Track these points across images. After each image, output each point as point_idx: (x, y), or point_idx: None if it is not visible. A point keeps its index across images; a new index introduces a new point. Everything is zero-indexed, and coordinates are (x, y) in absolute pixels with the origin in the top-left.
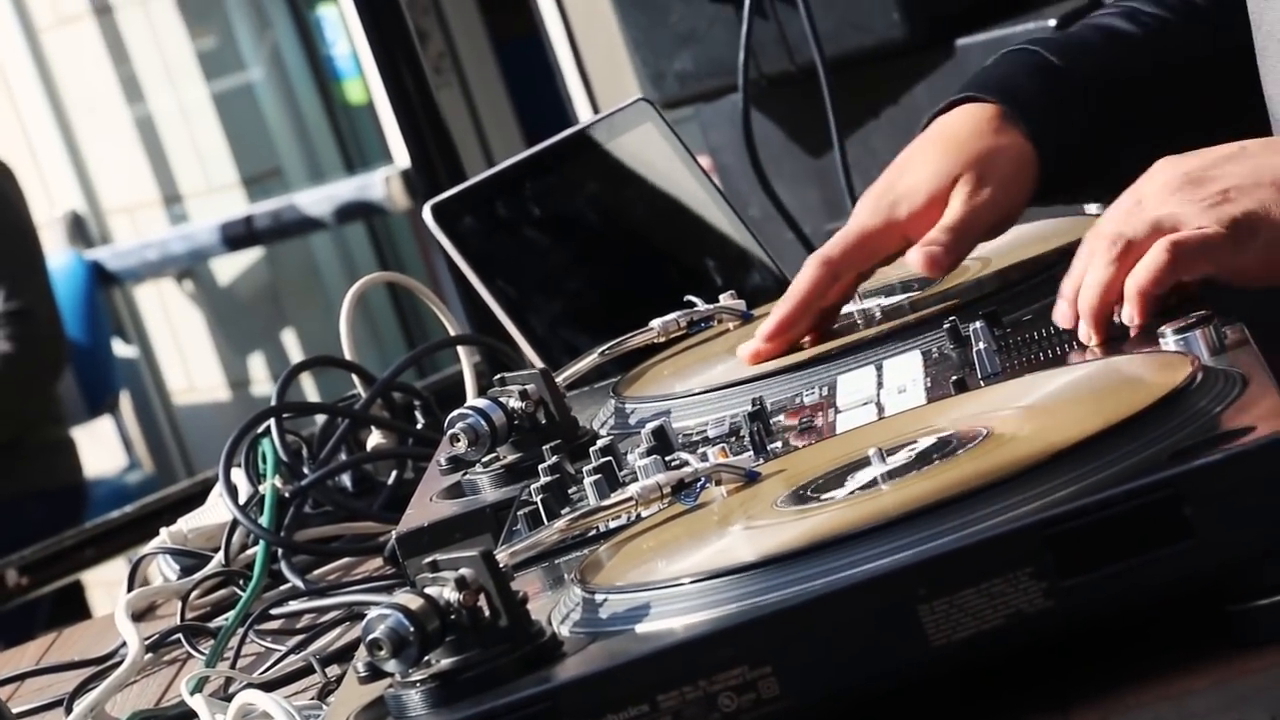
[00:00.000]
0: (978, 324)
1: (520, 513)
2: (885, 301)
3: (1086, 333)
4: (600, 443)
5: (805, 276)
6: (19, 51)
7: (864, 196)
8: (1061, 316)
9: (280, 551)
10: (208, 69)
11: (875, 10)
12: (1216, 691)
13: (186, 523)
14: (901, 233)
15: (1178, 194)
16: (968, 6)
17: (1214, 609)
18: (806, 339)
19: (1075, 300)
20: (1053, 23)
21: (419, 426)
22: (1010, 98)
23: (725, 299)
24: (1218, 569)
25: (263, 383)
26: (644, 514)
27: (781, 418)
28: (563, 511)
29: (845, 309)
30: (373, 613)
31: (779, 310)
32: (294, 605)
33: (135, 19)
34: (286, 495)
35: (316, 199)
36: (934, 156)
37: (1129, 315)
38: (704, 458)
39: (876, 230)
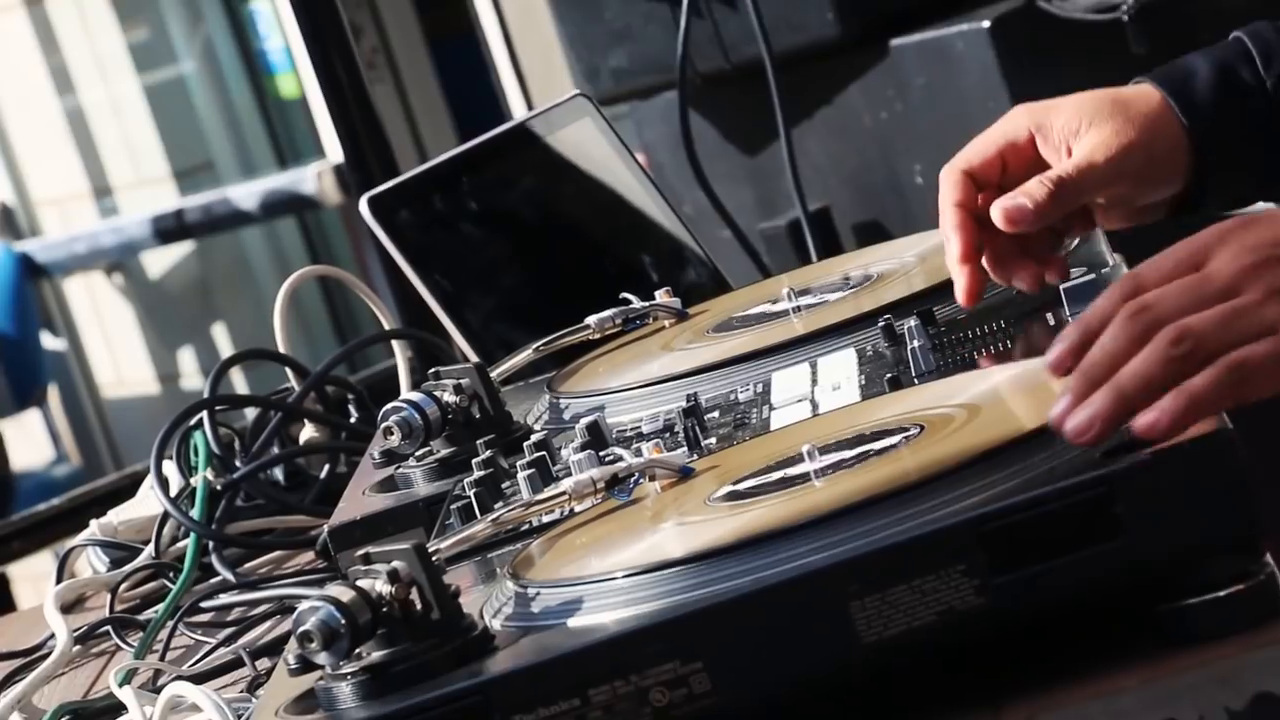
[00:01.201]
0: (912, 322)
1: (453, 507)
2: (821, 299)
3: (1089, 419)
4: (534, 438)
5: (946, 190)
6: None
7: (1015, 109)
8: (1060, 368)
9: (211, 544)
10: (139, 61)
11: (810, 9)
12: (1146, 690)
13: (117, 515)
14: (1032, 154)
15: (1251, 278)
16: (902, 7)
17: (1145, 607)
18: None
19: (1093, 371)
20: (986, 24)
21: (352, 420)
22: (1184, 87)
23: (660, 296)
24: (1148, 567)
25: (193, 376)
26: (577, 509)
27: (716, 414)
28: (496, 506)
29: (780, 305)
30: (304, 605)
31: (948, 232)
32: (224, 598)
33: (66, 10)
34: (218, 488)
35: (248, 193)
36: (1097, 97)
37: (1151, 422)
38: (638, 453)
39: (1013, 143)
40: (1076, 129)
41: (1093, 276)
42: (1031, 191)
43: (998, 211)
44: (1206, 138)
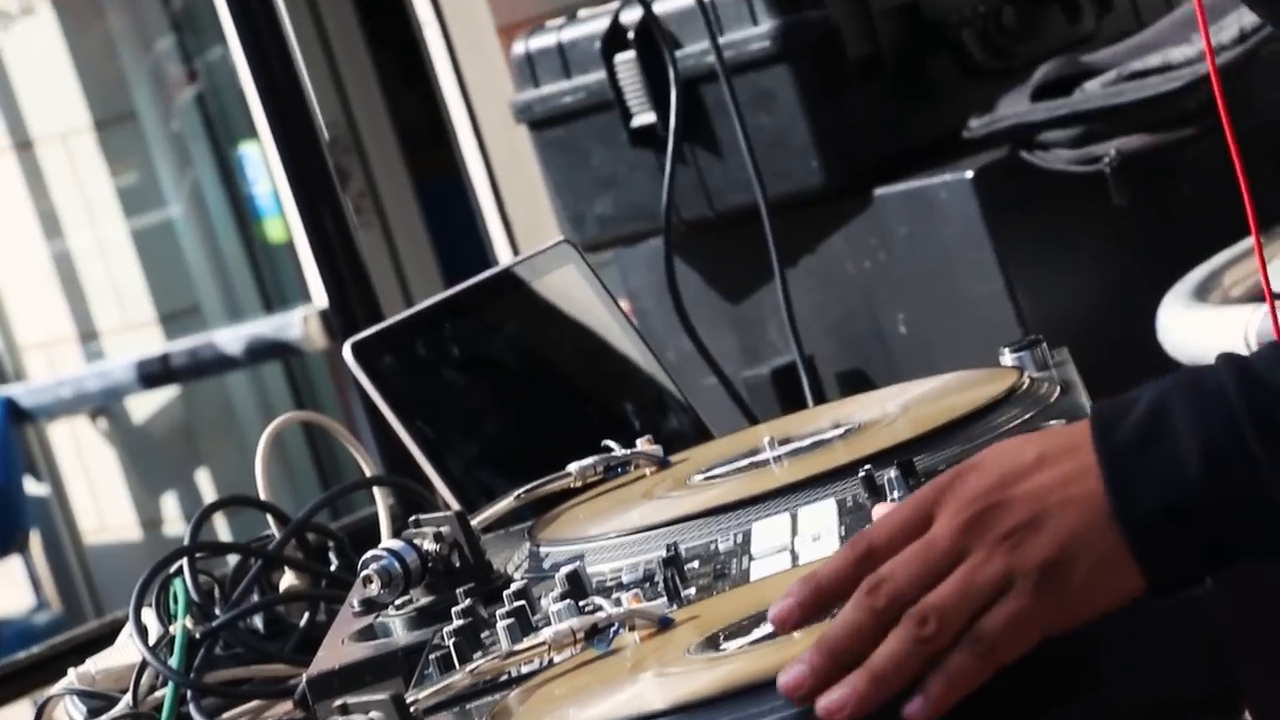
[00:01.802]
0: (892, 473)
1: (432, 656)
2: (803, 449)
3: (843, 700)
4: (514, 586)
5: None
6: None
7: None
8: (785, 624)
9: (189, 694)
10: (128, 205)
11: (795, 158)
12: None
13: (95, 664)
14: None
15: (973, 535)
16: (886, 157)
17: None
18: None
19: (837, 647)
20: (969, 174)
21: (333, 568)
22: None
23: (642, 444)
24: None
25: (175, 522)
26: (556, 659)
27: (696, 564)
28: (475, 656)
29: (761, 455)
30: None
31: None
32: None
33: (56, 154)
34: (197, 636)
35: (234, 337)
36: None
37: (918, 708)
38: (617, 603)
39: None
40: None
41: None
42: None
43: None
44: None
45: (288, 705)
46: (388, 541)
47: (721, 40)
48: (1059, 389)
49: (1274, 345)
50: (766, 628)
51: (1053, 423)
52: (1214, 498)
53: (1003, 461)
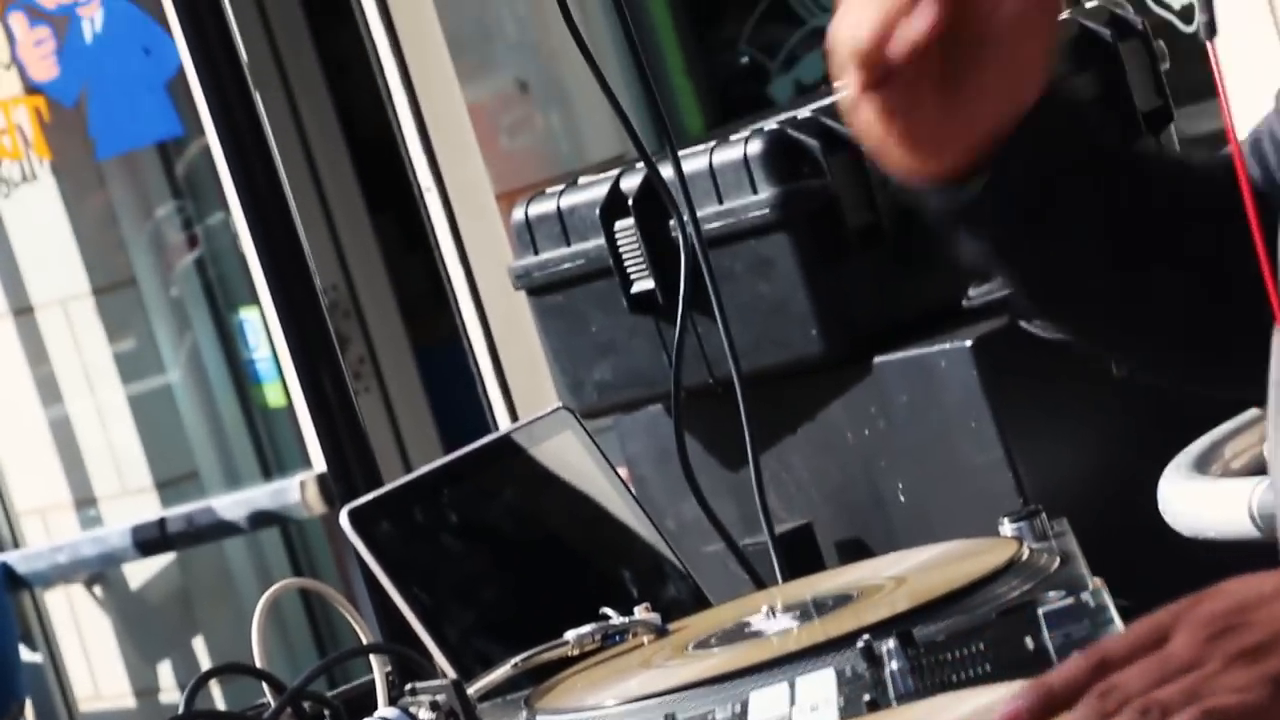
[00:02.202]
0: (891, 643)
1: None
2: (802, 618)
3: None
4: None
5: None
6: None
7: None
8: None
9: None
10: (126, 371)
11: (794, 327)
12: None
13: None
14: None
15: (1210, 644)
16: (886, 325)
17: None
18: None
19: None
20: (969, 343)
21: None
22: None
23: (640, 612)
24: None
25: (171, 690)
26: None
27: None
28: None
29: (760, 624)
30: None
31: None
32: None
33: (55, 320)
34: None
35: (232, 503)
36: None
37: None
38: None
39: None
40: None
41: (1071, 601)
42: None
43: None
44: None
45: None
46: (384, 710)
47: (721, 208)
48: (1058, 560)
49: None
50: None
51: (1054, 595)
52: None
53: (1242, 590)
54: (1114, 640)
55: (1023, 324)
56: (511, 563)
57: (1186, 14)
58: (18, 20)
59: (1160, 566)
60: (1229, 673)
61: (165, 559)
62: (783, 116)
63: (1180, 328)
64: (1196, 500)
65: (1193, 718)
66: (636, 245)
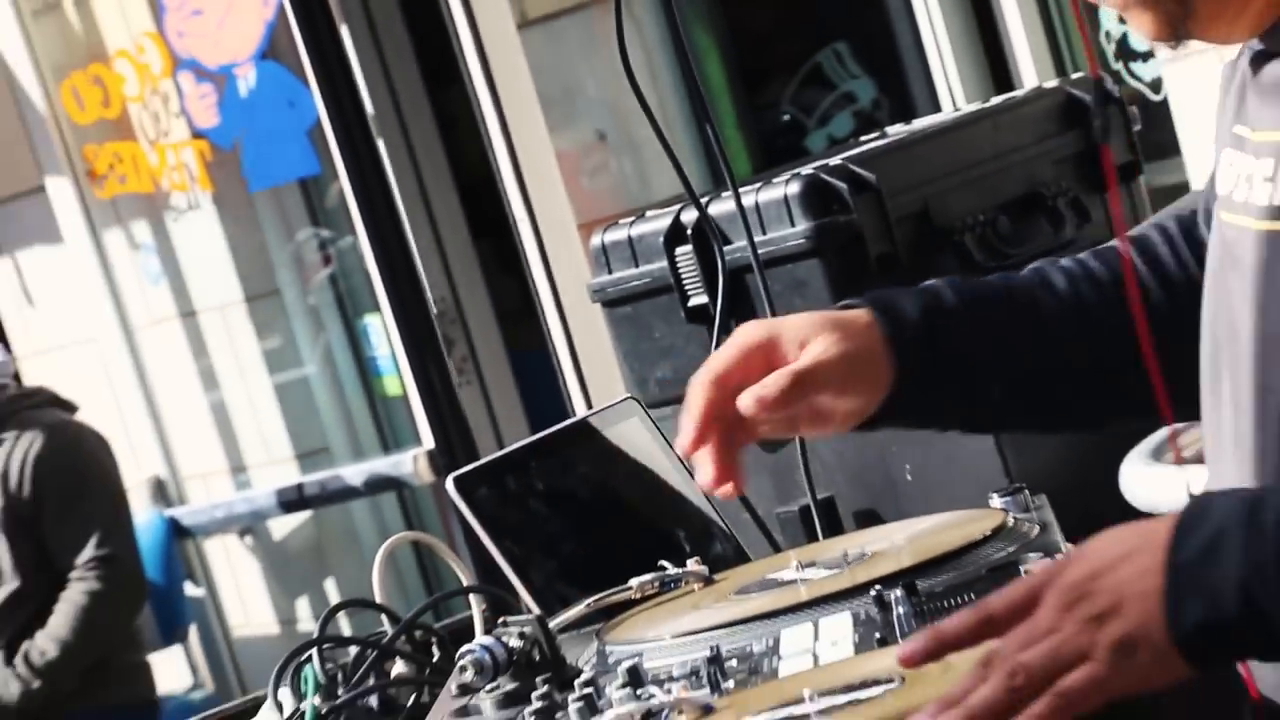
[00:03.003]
0: (898, 592)
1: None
2: (825, 571)
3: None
4: (583, 677)
5: (695, 393)
6: (118, 345)
7: (749, 323)
8: (908, 662)
9: None
10: (271, 365)
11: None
12: None
13: None
14: (767, 359)
15: (1065, 611)
16: None
17: None
18: (729, 488)
19: (949, 698)
20: None
21: (435, 659)
22: (891, 314)
23: (691, 564)
24: None
25: (307, 621)
26: None
27: (734, 662)
28: None
29: (789, 575)
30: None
31: (686, 426)
32: None
33: (214, 322)
34: (323, 713)
35: (356, 472)
36: (817, 316)
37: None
38: (668, 692)
39: (751, 349)
40: (805, 337)
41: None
42: (774, 381)
43: (747, 399)
44: (905, 350)
45: None
46: (481, 638)
47: (764, 237)
48: (1037, 528)
49: None
50: (791, 712)
51: (1033, 555)
52: (1245, 624)
53: (1094, 557)
54: (996, 599)
55: None
56: (586, 522)
57: (1155, 85)
58: (186, 78)
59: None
60: (1080, 636)
61: (302, 516)
62: (817, 164)
63: (1101, 417)
64: (1149, 482)
65: (1046, 705)
66: (693, 267)
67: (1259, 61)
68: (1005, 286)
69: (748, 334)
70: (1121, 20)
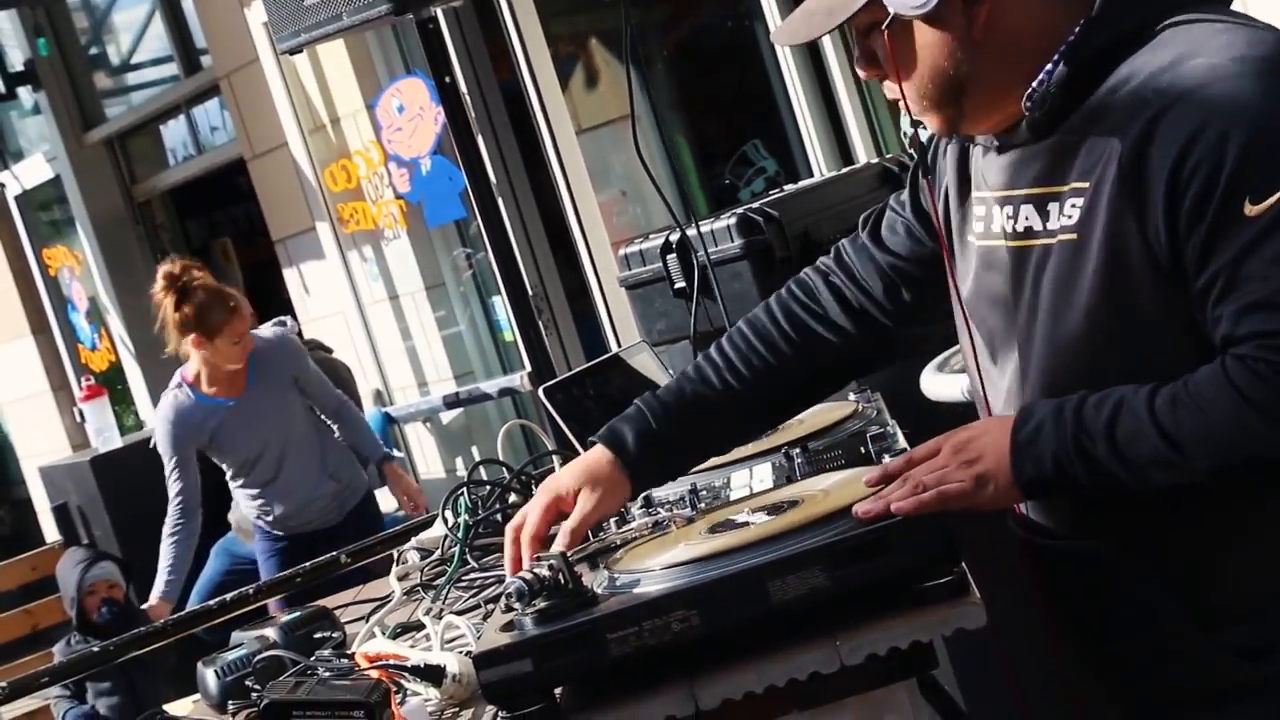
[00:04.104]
0: (796, 450)
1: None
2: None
3: (886, 504)
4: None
5: (508, 545)
6: (354, 315)
7: (541, 487)
8: (873, 484)
9: (467, 549)
10: (440, 324)
11: (749, 304)
12: (906, 625)
13: (426, 534)
14: (558, 509)
15: (953, 457)
16: None
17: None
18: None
19: (890, 478)
20: None
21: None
22: (621, 451)
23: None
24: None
25: (460, 471)
26: (639, 536)
27: (704, 492)
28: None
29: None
30: (509, 580)
31: (508, 562)
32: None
33: (408, 302)
34: (470, 524)
35: (489, 386)
36: (576, 473)
37: (900, 506)
38: (669, 510)
39: (545, 508)
40: (577, 488)
41: (880, 430)
42: (561, 541)
43: (558, 546)
44: (637, 472)
45: None
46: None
47: (716, 249)
48: (875, 412)
49: (1095, 396)
50: (736, 519)
51: (873, 427)
52: (1055, 478)
53: (971, 431)
54: (917, 450)
55: None
56: (619, 409)
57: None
58: (392, 165)
59: (925, 418)
60: (958, 471)
61: (458, 411)
62: (745, 207)
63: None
64: (938, 385)
65: (931, 495)
66: (677, 266)
67: (1001, 149)
68: (682, 391)
69: (543, 495)
70: (915, 123)
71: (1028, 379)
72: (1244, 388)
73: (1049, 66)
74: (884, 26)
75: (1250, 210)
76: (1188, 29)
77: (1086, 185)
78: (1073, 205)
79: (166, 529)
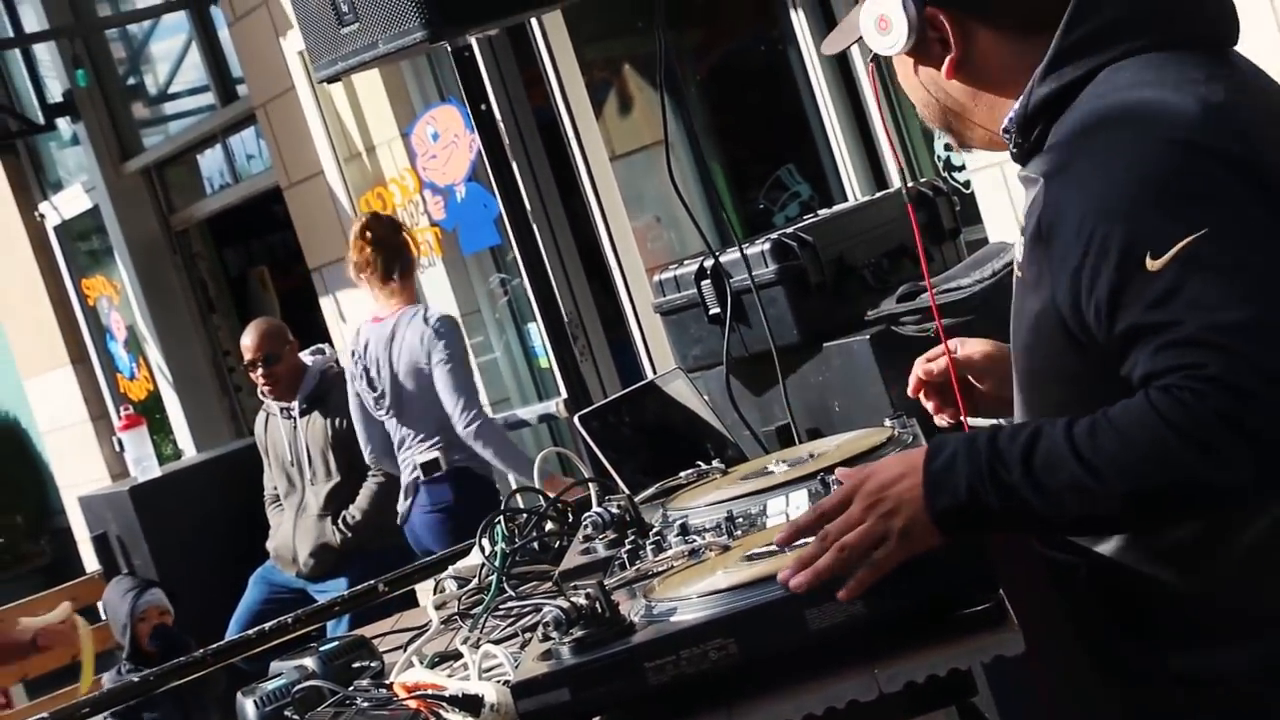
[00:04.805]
0: (833, 476)
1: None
2: (791, 466)
3: (811, 574)
4: (655, 530)
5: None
6: None
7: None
8: (784, 542)
9: (504, 577)
10: (475, 350)
11: (786, 328)
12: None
13: (462, 563)
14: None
15: (869, 511)
16: (828, 328)
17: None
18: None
19: (802, 534)
20: (867, 337)
21: (570, 520)
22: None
23: (714, 463)
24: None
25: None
26: (675, 564)
27: (740, 519)
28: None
29: (772, 468)
30: (546, 609)
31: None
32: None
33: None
34: (507, 551)
35: (525, 412)
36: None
37: (844, 592)
38: (704, 538)
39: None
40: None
41: None
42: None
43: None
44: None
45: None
46: (595, 509)
47: (753, 273)
48: (910, 437)
49: (1011, 428)
50: (772, 549)
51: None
52: (969, 506)
53: (883, 474)
54: (824, 503)
55: (894, 328)
56: (653, 439)
57: (967, 184)
58: (427, 193)
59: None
60: (877, 525)
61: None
62: (780, 232)
63: None
64: None
65: (867, 572)
66: (711, 292)
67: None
68: None
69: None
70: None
71: (1020, 407)
72: (1164, 411)
73: (1015, 108)
74: (869, 61)
75: (1152, 265)
76: (1118, 77)
77: (1028, 227)
78: (1022, 243)
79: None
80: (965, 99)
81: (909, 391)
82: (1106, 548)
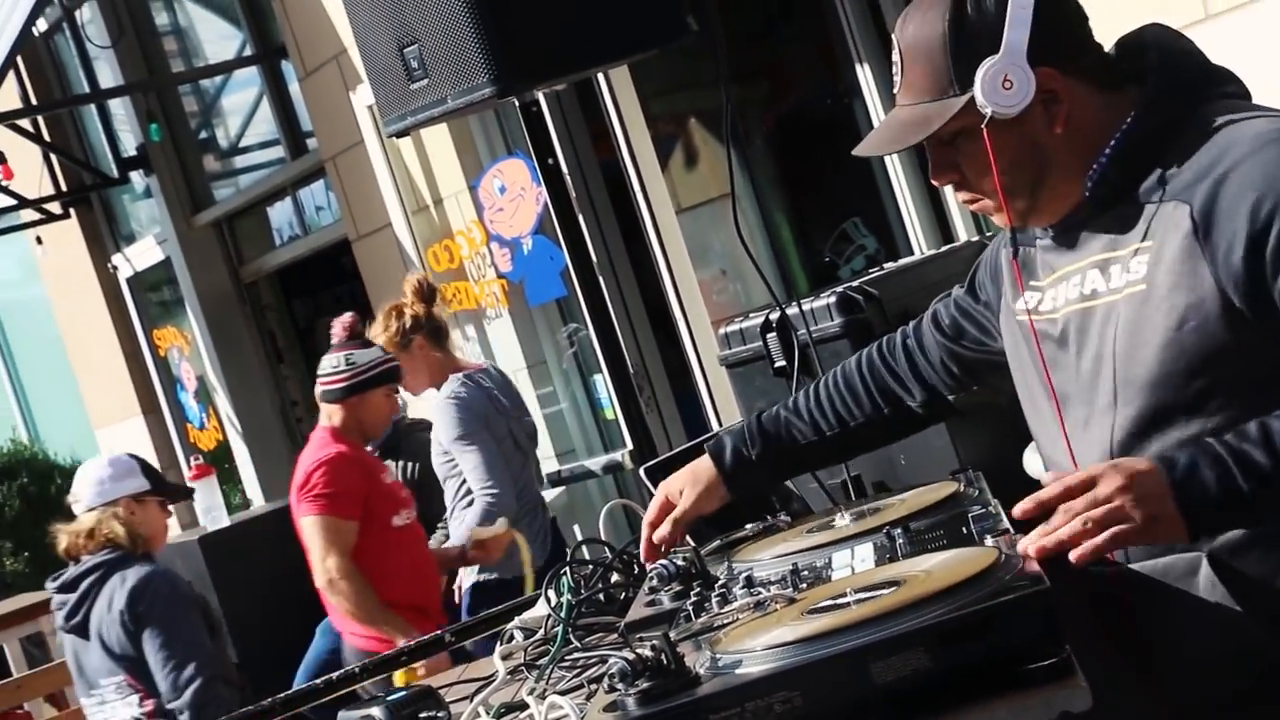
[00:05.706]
0: (898, 530)
1: (688, 605)
2: (857, 518)
3: (1055, 542)
4: (720, 582)
5: (643, 535)
6: None
7: (659, 486)
8: (1024, 515)
9: (570, 628)
10: (541, 402)
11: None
12: (1010, 707)
13: (529, 614)
14: (669, 504)
15: (1121, 494)
16: None
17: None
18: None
19: (1046, 507)
20: None
21: (635, 572)
22: (719, 460)
23: (780, 516)
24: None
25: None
26: (740, 617)
27: (805, 572)
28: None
29: (839, 521)
30: (612, 660)
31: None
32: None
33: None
34: (574, 603)
35: (591, 463)
36: (684, 475)
37: (1078, 555)
38: (769, 590)
39: (660, 505)
40: (681, 488)
41: (982, 510)
42: (666, 530)
43: (661, 535)
44: (730, 479)
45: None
46: (661, 560)
47: (816, 327)
48: (977, 492)
49: (1231, 433)
50: (837, 601)
51: (975, 508)
52: (1222, 497)
53: (1129, 465)
54: (1070, 479)
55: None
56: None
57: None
58: (494, 245)
59: (1024, 493)
60: (1127, 510)
61: (559, 490)
62: (846, 285)
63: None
64: (1039, 462)
65: (1106, 538)
66: (777, 345)
67: (1059, 234)
68: (778, 417)
69: (659, 493)
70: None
71: (1115, 422)
72: None
73: (1107, 151)
74: (983, 126)
75: None
76: (1225, 113)
77: (1151, 244)
78: (1138, 262)
79: None
80: (1064, 153)
81: (642, 557)
82: (1228, 539)
